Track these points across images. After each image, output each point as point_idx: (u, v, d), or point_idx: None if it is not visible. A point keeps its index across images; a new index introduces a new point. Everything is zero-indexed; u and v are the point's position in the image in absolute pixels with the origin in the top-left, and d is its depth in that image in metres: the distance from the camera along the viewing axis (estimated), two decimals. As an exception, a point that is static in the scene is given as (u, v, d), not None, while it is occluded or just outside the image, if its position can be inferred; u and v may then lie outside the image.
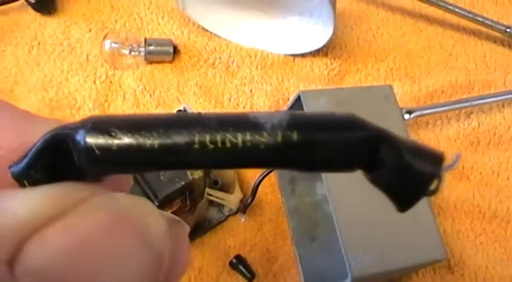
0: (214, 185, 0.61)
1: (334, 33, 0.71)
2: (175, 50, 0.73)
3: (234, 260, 0.60)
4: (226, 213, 0.62)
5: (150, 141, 0.15)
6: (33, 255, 0.14)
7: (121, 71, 0.71)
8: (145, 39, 0.72)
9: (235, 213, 0.62)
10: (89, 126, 0.15)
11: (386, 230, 0.54)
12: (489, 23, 0.81)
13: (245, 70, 0.74)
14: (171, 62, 0.73)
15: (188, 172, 0.56)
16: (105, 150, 0.15)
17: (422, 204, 0.54)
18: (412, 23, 0.84)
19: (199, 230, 0.61)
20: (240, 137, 0.15)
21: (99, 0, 0.77)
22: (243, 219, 0.63)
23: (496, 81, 0.80)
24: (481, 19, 0.81)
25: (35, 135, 0.16)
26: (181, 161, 0.16)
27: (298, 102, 0.59)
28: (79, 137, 0.15)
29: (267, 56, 0.75)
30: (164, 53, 0.72)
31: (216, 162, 0.16)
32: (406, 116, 0.68)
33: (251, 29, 0.77)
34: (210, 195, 0.60)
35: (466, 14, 0.81)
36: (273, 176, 0.66)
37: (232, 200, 0.61)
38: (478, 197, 0.69)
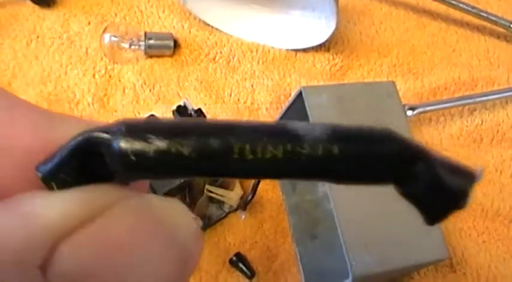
0: (214, 182, 0.60)
1: (336, 28, 0.70)
2: (176, 44, 0.72)
3: (234, 258, 0.60)
4: (226, 210, 0.62)
5: (188, 148, 0.15)
6: (66, 259, 0.14)
7: (120, 65, 0.70)
8: (146, 33, 0.71)
9: (236, 210, 0.62)
10: (123, 130, 0.15)
11: (387, 228, 0.53)
12: (493, 18, 0.81)
13: (246, 65, 0.73)
14: (171, 56, 0.72)
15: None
16: (141, 156, 0.15)
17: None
18: (416, 18, 0.83)
19: (199, 227, 0.60)
20: (281, 148, 0.15)
21: (98, -7, 0.76)
22: (243, 217, 0.62)
23: (499, 78, 0.79)
24: (485, 14, 0.81)
25: (59, 136, 0.16)
26: (219, 170, 0.16)
27: (299, 98, 0.58)
28: (114, 141, 0.15)
29: (269, 50, 0.75)
30: (164, 47, 0.72)
31: (253, 172, 0.16)
32: (409, 113, 0.67)
33: (252, 24, 0.76)
34: (210, 192, 0.59)
35: (470, 9, 0.80)
36: (274, 173, 0.65)
37: (232, 197, 0.60)
38: (480, 195, 0.69)
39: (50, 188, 0.15)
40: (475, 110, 0.76)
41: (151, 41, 0.71)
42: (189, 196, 0.57)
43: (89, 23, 0.73)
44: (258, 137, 0.15)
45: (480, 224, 0.67)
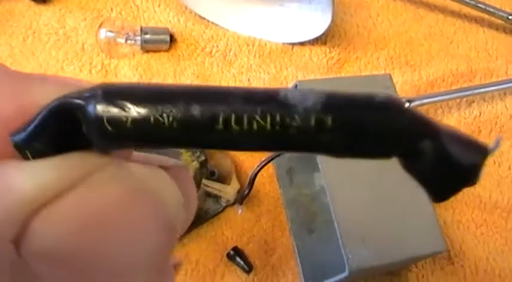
0: (211, 176, 0.60)
1: (333, 21, 0.70)
2: (172, 39, 0.72)
3: (232, 252, 0.60)
4: (224, 205, 0.61)
5: (169, 116, 0.14)
6: (41, 233, 0.13)
7: (117, 60, 0.70)
8: (142, 28, 0.71)
9: (233, 204, 0.62)
10: (100, 95, 0.14)
11: (385, 221, 0.53)
12: (491, 10, 0.80)
13: (243, 59, 0.73)
14: (167, 50, 0.72)
15: (184, 163, 0.56)
16: (117, 124, 0.14)
17: (422, 194, 0.53)
18: (413, 10, 0.83)
19: (196, 221, 0.60)
20: (268, 119, 0.14)
21: (94, -12, 0.76)
22: (240, 211, 0.62)
23: (497, 70, 0.79)
24: (483, 6, 0.80)
25: (36, 101, 0.15)
26: (202, 141, 0.15)
27: (295, 92, 0.57)
28: (89, 107, 0.14)
29: (265, 44, 0.74)
30: (161, 42, 0.71)
31: (239, 145, 0.15)
32: (406, 106, 0.67)
33: (248, 17, 0.75)
34: (207, 186, 0.59)
35: (467, 0, 0.80)
36: (271, 167, 0.65)
37: (229, 191, 0.60)
38: (478, 188, 0.68)
39: (25, 158, 0.14)
40: (473, 102, 0.75)
41: (148, 36, 0.70)
42: (185, 191, 0.57)
43: (85, 19, 0.73)
44: (245, 106, 0.14)
45: (478, 217, 0.67)
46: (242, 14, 0.75)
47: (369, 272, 0.54)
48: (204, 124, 0.14)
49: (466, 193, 0.68)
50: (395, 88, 0.60)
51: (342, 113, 0.14)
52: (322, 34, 0.73)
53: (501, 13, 0.80)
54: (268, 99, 0.14)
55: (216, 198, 0.61)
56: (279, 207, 0.64)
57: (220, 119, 0.14)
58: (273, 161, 0.59)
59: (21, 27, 0.71)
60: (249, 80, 0.71)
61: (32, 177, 0.13)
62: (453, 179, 0.16)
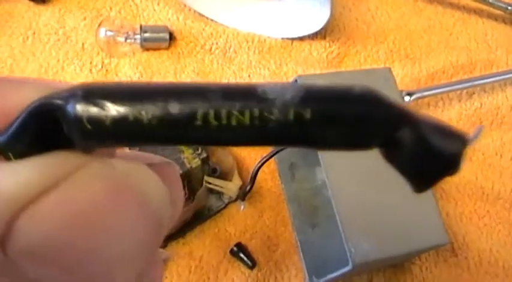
0: (213, 173, 0.60)
1: (332, 15, 0.70)
2: (172, 37, 0.72)
3: (235, 248, 0.60)
4: (226, 201, 0.62)
5: (148, 114, 0.14)
6: (25, 232, 0.13)
7: (117, 59, 0.70)
8: (141, 26, 0.71)
9: (235, 200, 0.62)
10: (80, 95, 0.14)
11: (387, 215, 0.53)
12: (490, 1, 0.80)
13: (242, 55, 0.73)
14: (167, 48, 0.72)
15: (186, 161, 0.56)
16: (97, 123, 0.14)
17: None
18: (412, 3, 0.83)
19: (199, 218, 0.61)
20: (247, 113, 0.14)
21: (93, -12, 0.76)
22: (242, 207, 0.62)
23: (498, 61, 0.79)
24: (482, -3, 0.80)
25: (14, 104, 0.15)
26: (182, 137, 0.15)
27: (295, 87, 0.58)
28: (69, 107, 0.14)
29: (265, 40, 0.74)
30: (160, 40, 0.71)
31: (219, 140, 0.15)
32: (407, 99, 0.67)
33: (247, 13, 0.75)
34: (209, 183, 0.60)
35: (466, -8, 0.80)
36: (273, 162, 0.65)
37: (231, 187, 0.61)
38: (481, 179, 0.68)
39: (8, 159, 0.15)
40: (473, 93, 0.75)
41: (147, 34, 0.70)
42: (188, 187, 0.57)
43: (85, 18, 0.73)
44: (223, 102, 0.14)
45: (481, 208, 0.67)
46: (241, 10, 0.75)
47: (372, 265, 0.54)
48: (183, 120, 0.14)
49: (468, 184, 0.68)
50: (395, 81, 0.60)
51: (320, 105, 0.14)
52: (321, 29, 0.73)
53: (500, 4, 0.80)
54: (246, 94, 0.15)
55: (219, 194, 0.62)
56: (282, 203, 0.64)
57: (199, 115, 0.14)
58: (275, 156, 0.59)
59: (20, 28, 0.72)
60: (249, 76, 0.72)
61: (14, 176, 0.13)
62: (433, 168, 0.16)
